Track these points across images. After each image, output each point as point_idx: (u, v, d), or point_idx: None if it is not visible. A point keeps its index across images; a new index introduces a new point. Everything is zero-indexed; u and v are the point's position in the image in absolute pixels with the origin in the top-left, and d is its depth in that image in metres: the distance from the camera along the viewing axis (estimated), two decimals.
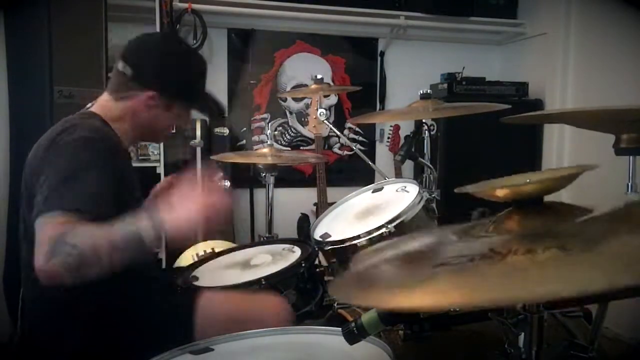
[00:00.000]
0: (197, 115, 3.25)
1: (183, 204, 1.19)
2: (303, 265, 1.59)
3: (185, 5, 3.07)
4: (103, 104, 1.45)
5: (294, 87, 3.53)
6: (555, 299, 0.48)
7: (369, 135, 3.72)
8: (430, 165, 1.86)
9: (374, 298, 0.65)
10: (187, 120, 1.58)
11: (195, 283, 1.61)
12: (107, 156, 1.28)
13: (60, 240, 1.09)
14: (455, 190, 0.76)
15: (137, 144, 1.77)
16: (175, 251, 2.26)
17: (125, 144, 1.46)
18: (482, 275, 0.60)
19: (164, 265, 2.53)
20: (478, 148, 3.13)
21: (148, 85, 1.40)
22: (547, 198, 0.73)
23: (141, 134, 1.51)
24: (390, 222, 1.48)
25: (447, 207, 1.73)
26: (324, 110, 2.45)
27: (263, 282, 1.50)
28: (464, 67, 3.40)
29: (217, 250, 1.92)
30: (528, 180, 0.71)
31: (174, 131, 1.59)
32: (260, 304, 1.43)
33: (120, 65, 1.41)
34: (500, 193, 0.71)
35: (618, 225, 0.66)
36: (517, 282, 0.55)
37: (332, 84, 3.54)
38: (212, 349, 1.05)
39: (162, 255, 2.89)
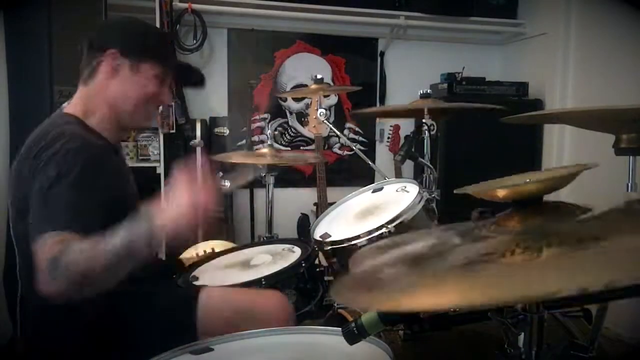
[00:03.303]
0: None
1: (174, 203, 1.18)
2: (303, 265, 1.59)
3: (185, 5, 3.07)
4: (76, 100, 1.41)
5: (294, 87, 3.53)
6: (555, 298, 0.48)
7: (369, 135, 3.72)
8: (430, 165, 1.86)
9: (378, 301, 0.65)
10: (160, 89, 1.43)
11: (195, 283, 1.61)
12: (92, 165, 1.26)
13: (56, 261, 1.09)
14: (455, 192, 0.76)
15: (124, 135, 1.72)
16: (175, 251, 2.26)
17: (110, 139, 1.42)
18: (487, 276, 0.59)
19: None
20: (478, 148, 3.13)
21: (107, 44, 1.37)
22: (547, 197, 0.73)
23: (118, 116, 1.42)
24: (390, 222, 1.47)
25: (447, 207, 1.73)
26: (324, 110, 2.45)
27: (263, 282, 1.50)
28: (464, 67, 3.41)
29: (217, 250, 1.92)
30: (527, 180, 0.72)
31: (158, 110, 1.48)
32: (262, 301, 1.42)
33: (85, 52, 1.40)
34: (500, 193, 0.71)
35: (618, 224, 0.66)
36: (519, 282, 0.55)
37: (332, 84, 3.54)
38: (212, 349, 1.05)
39: (162, 256, 2.89)
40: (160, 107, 1.47)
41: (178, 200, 1.18)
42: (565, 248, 0.58)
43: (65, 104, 1.44)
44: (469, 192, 0.74)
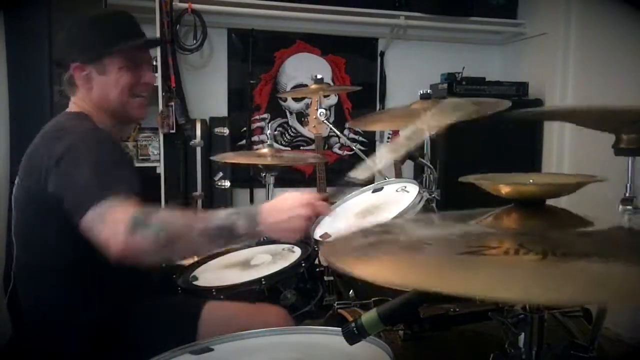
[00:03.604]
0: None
1: (285, 208, 1.16)
2: (303, 265, 1.59)
3: (185, 5, 3.07)
4: (73, 106, 1.44)
5: (294, 87, 3.53)
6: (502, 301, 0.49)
7: (369, 135, 3.72)
8: (430, 165, 1.86)
9: (339, 261, 0.67)
10: (135, 74, 1.42)
11: (195, 283, 1.61)
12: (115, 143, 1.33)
13: (142, 218, 1.10)
14: (460, 179, 0.76)
15: (126, 132, 1.73)
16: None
17: (114, 136, 1.45)
18: (430, 259, 0.62)
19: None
20: (478, 148, 3.13)
21: (69, 61, 1.39)
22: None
23: (111, 114, 1.43)
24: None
25: (447, 207, 1.73)
26: (324, 110, 2.45)
27: (263, 282, 1.50)
28: (464, 67, 3.40)
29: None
30: (531, 181, 0.72)
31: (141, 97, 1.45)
32: (262, 316, 1.41)
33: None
34: (504, 190, 0.71)
35: (621, 243, 0.67)
36: (524, 282, 0.56)
37: (332, 84, 3.54)
38: (212, 349, 1.05)
39: None
40: (148, 89, 1.47)
41: (286, 207, 1.15)
42: (570, 258, 0.58)
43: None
44: (472, 181, 0.73)
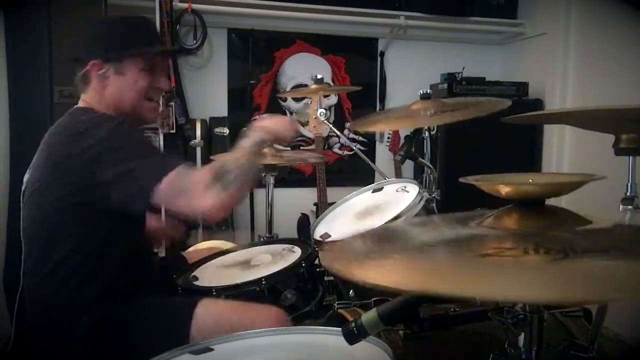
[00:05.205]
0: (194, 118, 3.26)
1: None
2: (303, 265, 1.59)
3: (185, 5, 3.07)
4: (84, 103, 1.46)
5: (294, 87, 3.53)
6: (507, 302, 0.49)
7: (368, 135, 3.72)
8: (430, 165, 1.86)
9: (337, 264, 0.68)
10: (152, 78, 1.47)
11: (195, 283, 1.61)
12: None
13: (224, 174, 1.25)
14: (460, 180, 0.76)
15: None
16: (175, 251, 2.26)
17: None
18: (436, 262, 0.62)
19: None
20: (478, 148, 3.13)
21: (87, 59, 1.42)
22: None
23: (125, 115, 1.45)
24: (390, 222, 1.47)
25: (447, 207, 1.73)
26: (324, 110, 2.45)
27: (263, 282, 1.50)
28: (464, 67, 3.40)
29: (217, 250, 1.92)
30: (530, 181, 0.72)
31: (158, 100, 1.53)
32: (261, 319, 1.40)
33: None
34: (503, 190, 0.71)
35: (608, 244, 0.67)
36: (470, 277, 0.56)
37: (332, 84, 3.54)
38: (212, 349, 1.05)
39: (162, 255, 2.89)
40: (162, 95, 1.58)
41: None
42: (591, 256, 0.58)
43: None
44: (472, 182, 0.73)
